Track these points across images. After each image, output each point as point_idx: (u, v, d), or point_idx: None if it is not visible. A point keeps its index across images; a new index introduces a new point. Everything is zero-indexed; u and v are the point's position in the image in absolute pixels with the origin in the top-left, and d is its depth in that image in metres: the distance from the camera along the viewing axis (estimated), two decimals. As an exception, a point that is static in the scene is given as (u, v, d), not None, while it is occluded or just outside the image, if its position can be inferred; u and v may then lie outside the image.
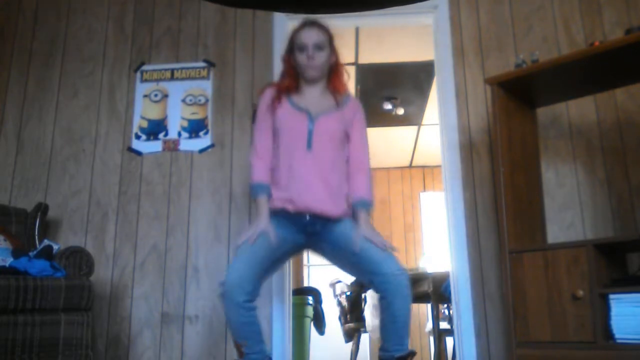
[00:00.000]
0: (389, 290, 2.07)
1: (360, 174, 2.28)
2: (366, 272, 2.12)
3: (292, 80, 2.32)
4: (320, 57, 2.27)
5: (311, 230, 2.19)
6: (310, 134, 2.21)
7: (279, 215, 2.19)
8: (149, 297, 3.08)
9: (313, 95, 2.32)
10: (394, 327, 2.10)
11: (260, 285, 2.10)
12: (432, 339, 4.86)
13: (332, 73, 2.35)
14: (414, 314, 7.53)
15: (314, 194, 2.16)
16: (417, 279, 3.87)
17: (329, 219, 2.17)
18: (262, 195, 2.21)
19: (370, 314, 4.11)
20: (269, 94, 2.33)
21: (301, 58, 2.27)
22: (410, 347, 2.15)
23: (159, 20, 3.50)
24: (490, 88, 2.70)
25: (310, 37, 2.26)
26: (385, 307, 2.09)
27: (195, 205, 3.20)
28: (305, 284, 6.54)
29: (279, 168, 2.23)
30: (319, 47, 2.27)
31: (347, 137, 2.30)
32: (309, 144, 2.20)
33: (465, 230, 3.04)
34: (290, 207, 2.16)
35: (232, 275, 2.02)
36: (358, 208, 2.21)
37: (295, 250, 2.29)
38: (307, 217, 2.17)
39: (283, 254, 2.23)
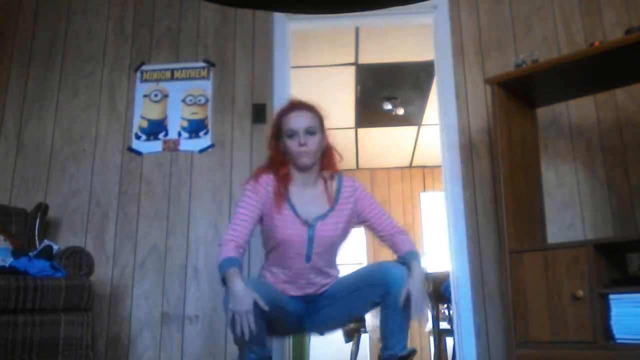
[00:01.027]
0: (388, 282, 1.97)
1: (402, 235, 2.17)
2: (368, 293, 2.04)
3: (286, 168, 2.13)
4: (314, 143, 2.09)
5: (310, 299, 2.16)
6: (310, 245, 2.07)
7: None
8: (149, 297, 3.08)
9: (309, 192, 2.15)
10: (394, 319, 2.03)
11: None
12: (432, 339, 4.85)
13: (325, 157, 2.17)
14: (414, 314, 7.37)
15: (311, 286, 2.13)
16: (417, 279, 3.86)
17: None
18: (233, 267, 1.91)
19: (370, 314, 4.11)
20: (269, 184, 2.12)
21: (292, 145, 2.08)
22: (410, 346, 2.13)
23: (159, 20, 3.50)
24: (490, 88, 2.70)
25: (301, 121, 2.08)
26: (386, 302, 2.00)
27: (195, 205, 3.20)
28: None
29: (274, 273, 2.14)
30: (310, 132, 2.09)
31: (352, 222, 2.18)
32: (308, 257, 2.08)
33: (465, 230, 3.04)
34: (289, 294, 2.11)
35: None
36: (409, 259, 2.04)
37: (294, 319, 2.15)
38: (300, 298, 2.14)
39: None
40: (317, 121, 2.13)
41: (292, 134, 2.08)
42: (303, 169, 2.13)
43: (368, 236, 7.14)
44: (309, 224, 2.07)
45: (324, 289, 2.17)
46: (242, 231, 2.07)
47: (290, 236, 2.06)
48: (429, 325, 4.29)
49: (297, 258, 2.07)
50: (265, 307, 1.84)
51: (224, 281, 1.92)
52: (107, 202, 3.23)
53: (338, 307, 2.12)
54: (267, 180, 2.12)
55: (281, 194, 2.09)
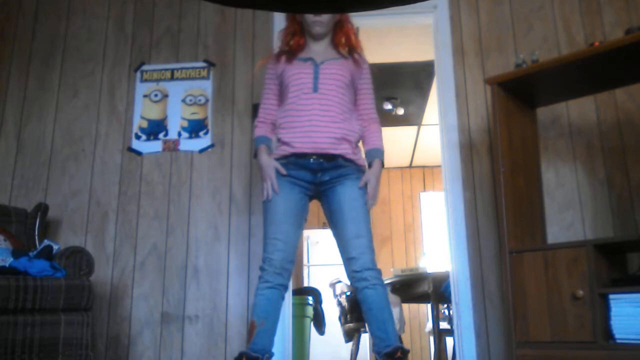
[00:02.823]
0: (358, 284, 2.16)
1: (373, 124, 2.39)
2: (342, 256, 2.22)
3: (300, 37, 2.38)
4: (327, 14, 2.33)
5: (320, 180, 2.25)
6: (315, 77, 2.28)
7: (287, 165, 2.26)
8: (149, 297, 3.08)
9: (318, 49, 2.38)
10: (371, 314, 2.15)
11: (292, 265, 2.24)
12: (432, 339, 4.85)
13: (337, 29, 2.41)
14: (414, 314, 7.50)
15: (319, 133, 2.22)
16: (417, 279, 3.87)
17: (334, 159, 2.23)
18: (262, 145, 2.33)
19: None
20: (273, 59, 2.41)
21: (308, 15, 2.31)
22: (402, 344, 2.15)
23: (159, 20, 3.50)
24: (490, 88, 2.70)
25: None
26: (361, 296, 2.17)
27: (195, 205, 3.20)
28: (305, 284, 6.54)
29: (286, 115, 2.30)
30: None
31: (353, 86, 2.36)
32: (315, 87, 2.27)
33: (465, 230, 3.04)
34: (296, 149, 2.23)
35: (275, 259, 2.17)
36: (373, 157, 2.33)
37: (307, 206, 2.35)
38: (312, 160, 2.23)
39: (303, 212, 2.31)
40: None
41: None
42: (316, 38, 2.38)
43: (368, 236, 7.14)
44: (315, 63, 2.31)
45: (338, 151, 2.23)
46: (267, 108, 2.40)
47: (298, 75, 2.30)
48: (429, 325, 4.29)
49: (305, 89, 2.27)
50: (284, 171, 2.23)
51: (256, 154, 2.36)
52: (107, 202, 3.23)
53: (329, 219, 2.30)
54: (274, 55, 2.43)
55: (290, 52, 2.35)
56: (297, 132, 2.25)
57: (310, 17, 2.32)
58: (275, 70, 2.38)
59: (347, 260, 2.20)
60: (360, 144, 2.38)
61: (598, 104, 3.09)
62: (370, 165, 2.34)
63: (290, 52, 2.37)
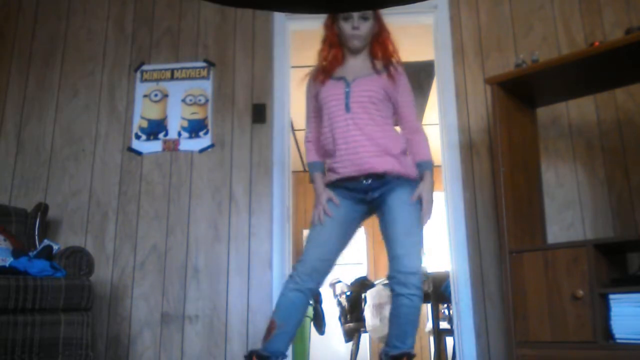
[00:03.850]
0: (397, 288, 2.09)
1: (417, 135, 2.33)
2: (389, 256, 2.16)
3: (338, 50, 2.34)
4: (365, 28, 2.30)
5: (371, 198, 2.22)
6: (347, 96, 2.24)
7: (339, 188, 2.24)
8: (149, 297, 3.08)
9: (354, 64, 2.34)
10: (398, 322, 2.11)
11: (328, 274, 2.21)
12: (432, 339, 4.85)
13: (375, 40, 2.36)
14: (414, 314, 7.37)
15: (360, 153, 2.19)
16: (417, 279, 3.86)
17: (383, 176, 2.19)
18: (316, 172, 2.33)
19: (370, 314, 4.11)
20: (310, 79, 2.41)
21: (346, 27, 2.29)
22: (413, 350, 2.13)
23: (159, 20, 3.50)
24: (490, 88, 2.70)
25: None
26: (395, 301, 2.11)
27: (195, 205, 3.20)
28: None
29: (326, 139, 2.28)
30: (364, 17, 2.29)
31: (389, 100, 2.31)
32: (347, 107, 2.23)
33: (465, 230, 3.04)
34: (343, 174, 2.21)
35: (306, 265, 2.14)
36: (423, 169, 2.27)
37: (361, 222, 2.33)
38: (364, 182, 2.20)
39: (351, 231, 2.28)
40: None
41: (348, 17, 2.28)
42: (354, 51, 2.34)
43: (368, 237, 7.15)
44: (346, 82, 2.27)
45: (382, 168, 2.17)
46: (313, 126, 2.40)
47: (331, 95, 2.27)
48: (429, 325, 4.29)
49: (338, 110, 2.24)
50: (337, 202, 2.22)
51: (311, 180, 2.36)
52: (107, 202, 3.23)
53: (382, 228, 2.23)
54: (311, 74, 2.41)
55: (326, 70, 2.32)
56: (338, 156, 2.22)
57: (348, 31, 2.29)
58: (314, 90, 2.36)
59: (392, 258, 2.13)
60: (406, 152, 2.32)
61: (598, 104, 3.08)
62: (420, 179, 2.26)
63: (326, 70, 2.32)
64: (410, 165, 2.25)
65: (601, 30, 3.16)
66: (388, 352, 2.10)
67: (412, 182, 2.22)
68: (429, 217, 2.22)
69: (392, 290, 2.12)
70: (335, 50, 2.34)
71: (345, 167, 2.20)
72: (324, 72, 2.33)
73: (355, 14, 2.27)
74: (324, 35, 2.40)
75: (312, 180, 2.35)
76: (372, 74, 2.30)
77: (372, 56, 2.35)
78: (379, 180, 2.19)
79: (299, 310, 2.15)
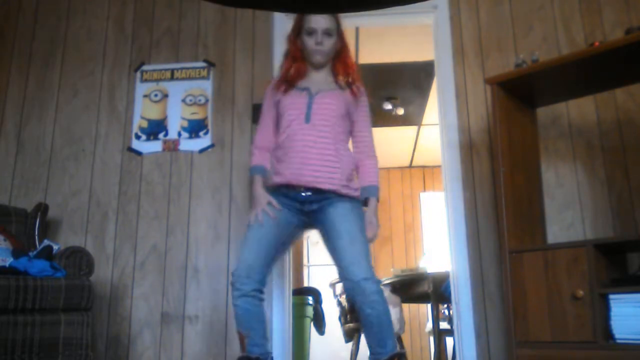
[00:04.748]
0: (356, 297, 2.07)
1: (370, 159, 2.38)
2: (338, 269, 2.15)
3: (302, 63, 2.36)
4: (328, 43, 2.33)
5: (308, 209, 2.22)
6: (309, 107, 2.25)
7: (278, 194, 2.24)
8: (149, 297, 3.08)
9: (317, 78, 2.37)
10: (370, 331, 2.09)
11: (268, 272, 2.19)
12: (432, 339, 4.85)
13: (337, 58, 2.40)
14: (414, 314, 7.49)
15: (310, 166, 2.19)
16: (417, 279, 3.87)
17: (324, 193, 2.19)
18: (257, 175, 2.34)
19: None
20: (272, 88, 2.41)
21: (309, 42, 2.32)
22: (398, 348, 2.12)
23: (159, 20, 3.50)
24: (490, 88, 2.70)
25: (320, 22, 2.30)
26: (360, 313, 2.10)
27: (195, 205, 3.20)
28: (305, 284, 6.54)
29: (280, 146, 2.28)
30: (328, 33, 2.32)
31: (348, 117, 2.33)
32: (307, 118, 2.24)
33: (465, 230, 3.04)
34: (286, 180, 2.21)
35: (241, 266, 2.12)
36: (369, 194, 2.31)
37: (297, 232, 2.33)
38: (303, 194, 2.21)
39: (287, 236, 2.28)
40: (334, 24, 2.34)
41: (311, 32, 2.31)
42: (316, 67, 2.37)
43: (368, 236, 7.13)
44: (310, 93, 2.29)
45: (324, 187, 2.18)
46: (263, 135, 2.39)
47: (292, 103, 2.29)
48: (429, 325, 4.29)
49: (298, 120, 2.25)
50: (277, 206, 2.21)
51: (251, 182, 2.37)
52: (107, 202, 3.23)
53: (324, 242, 2.24)
54: (273, 82, 2.42)
55: (289, 81, 2.34)
56: (289, 164, 2.21)
57: (311, 45, 2.32)
58: (274, 98, 2.37)
59: (341, 270, 2.11)
60: (354, 173, 2.33)
61: (598, 104, 3.08)
62: (365, 204, 2.31)
63: (289, 81, 2.34)
64: (354, 187, 2.27)
65: (601, 30, 3.16)
66: (377, 359, 2.09)
67: (353, 201, 2.23)
68: (374, 239, 2.29)
69: (353, 302, 2.10)
70: (298, 63, 2.36)
71: (290, 175, 2.20)
72: (286, 82, 2.34)
73: (319, 29, 2.29)
74: (286, 49, 2.44)
75: (251, 182, 2.37)
76: (336, 89, 2.33)
77: (334, 72, 2.38)
78: (318, 195, 2.20)
79: (254, 313, 2.11)
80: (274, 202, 2.22)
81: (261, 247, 2.17)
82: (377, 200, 2.36)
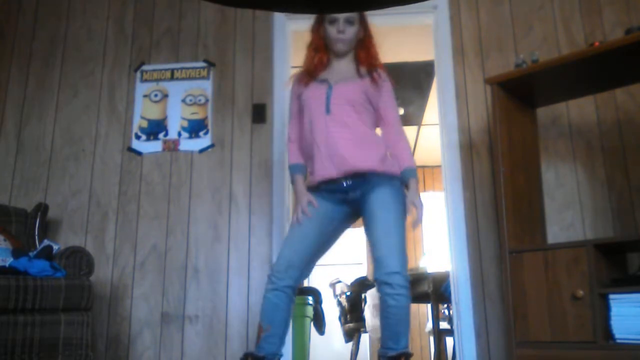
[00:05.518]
0: (385, 288, 2.09)
1: (401, 142, 2.34)
2: (373, 261, 2.16)
3: (324, 53, 2.37)
4: (350, 32, 2.33)
5: (352, 198, 2.22)
6: (328, 99, 2.26)
7: (319, 190, 2.25)
8: (149, 297, 3.08)
9: (338, 67, 2.37)
10: (387, 323, 2.13)
11: (309, 270, 2.22)
12: (432, 339, 4.85)
13: (360, 46, 2.39)
14: (414, 314, 7.50)
15: (340, 154, 2.19)
16: (417, 279, 3.87)
17: (364, 176, 2.19)
18: (297, 175, 2.35)
19: (370, 314, 4.11)
20: (295, 81, 2.43)
21: (331, 31, 2.32)
22: (409, 349, 2.13)
23: (159, 20, 3.50)
24: (490, 88, 2.70)
25: None
26: (382, 303, 2.12)
27: (195, 205, 3.20)
28: (305, 284, 6.54)
29: (306, 140, 2.30)
30: (349, 21, 2.32)
31: (371, 104, 2.32)
32: (327, 109, 2.25)
33: (465, 230, 3.04)
34: (322, 177, 2.22)
35: (281, 261, 2.14)
36: (407, 177, 2.28)
37: (344, 224, 2.33)
38: (344, 184, 2.21)
39: (331, 233, 2.29)
40: (357, 13, 2.34)
41: (333, 21, 2.32)
42: (338, 55, 2.37)
43: (368, 236, 7.14)
44: (329, 84, 2.30)
45: (363, 167, 2.18)
46: (294, 128, 2.40)
47: (312, 97, 2.30)
48: (429, 325, 4.29)
49: (318, 112, 2.26)
50: (316, 204, 2.22)
51: (292, 181, 2.39)
52: (107, 202, 3.23)
53: (365, 229, 2.22)
54: (296, 75, 2.43)
55: (310, 72, 2.35)
56: (318, 158, 2.23)
57: (333, 34, 2.32)
58: (298, 91, 2.39)
59: (375, 260, 2.13)
60: (387, 155, 2.32)
61: (598, 104, 3.08)
62: (406, 186, 2.29)
63: (310, 73, 2.35)
64: (391, 164, 2.26)
65: (601, 30, 3.16)
66: (386, 354, 2.10)
67: (393, 180, 2.23)
68: (421, 222, 2.25)
69: (379, 292, 2.12)
70: (320, 54, 2.37)
71: (325, 169, 2.21)
72: (308, 75, 2.35)
73: (341, 18, 2.30)
74: (310, 39, 2.44)
75: (292, 182, 2.38)
76: (355, 77, 2.33)
77: (357, 60, 2.38)
78: (359, 179, 2.20)
79: (281, 309, 2.14)
80: (314, 201, 2.23)
81: (302, 246, 2.18)
82: (417, 181, 2.32)
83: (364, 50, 2.39)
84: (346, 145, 2.20)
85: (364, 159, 2.20)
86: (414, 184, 2.28)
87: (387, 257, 2.09)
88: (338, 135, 2.21)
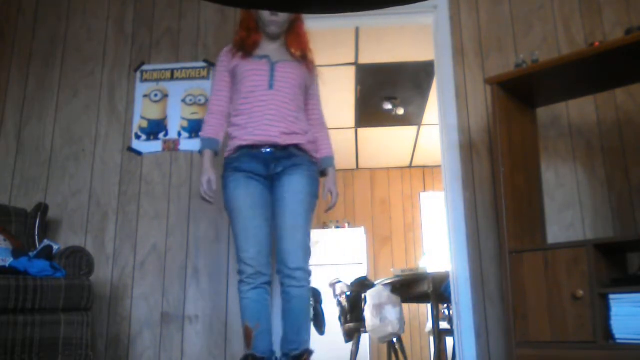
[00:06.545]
0: (289, 281, 2.16)
1: (324, 130, 2.49)
2: (276, 249, 2.22)
3: (256, 34, 2.42)
4: (283, 15, 2.37)
5: (273, 172, 2.26)
6: (271, 76, 2.32)
7: (243, 156, 2.28)
8: (149, 297, 3.08)
9: (272, 48, 2.43)
10: (290, 315, 2.17)
11: (271, 260, 2.26)
12: (432, 339, 4.85)
13: (290, 29, 2.45)
14: (414, 314, 7.49)
15: (272, 127, 2.26)
16: (417, 279, 3.87)
17: (287, 150, 2.25)
18: (208, 150, 2.39)
19: (370, 314, 4.11)
20: (227, 53, 2.48)
21: (264, 13, 2.37)
22: (309, 345, 2.16)
23: (159, 20, 3.50)
24: (490, 88, 2.70)
25: None
26: (283, 295, 2.18)
27: (195, 205, 3.20)
28: (305, 284, 6.53)
29: (240, 112, 2.33)
30: None
31: (305, 88, 2.42)
32: (271, 85, 2.31)
33: (465, 230, 3.04)
34: (249, 140, 2.26)
35: (248, 264, 2.18)
36: (327, 165, 2.45)
37: (270, 199, 2.34)
38: (266, 150, 2.25)
39: (268, 204, 2.31)
40: None
41: None
42: (271, 37, 2.43)
43: (368, 237, 7.14)
44: (270, 61, 2.36)
45: (286, 143, 2.26)
46: (221, 99, 2.42)
47: (253, 69, 2.34)
48: (429, 325, 4.29)
49: (261, 86, 2.32)
50: (214, 186, 2.31)
51: (200, 152, 2.41)
52: (107, 202, 3.23)
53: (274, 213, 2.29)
54: (228, 48, 2.49)
55: (245, 48, 2.40)
56: (251, 126, 2.28)
57: (266, 16, 2.36)
58: (229, 64, 2.43)
59: (279, 251, 2.20)
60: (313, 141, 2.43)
61: (598, 104, 3.09)
62: (324, 173, 2.43)
63: (246, 49, 2.40)
64: (315, 149, 2.36)
65: (601, 30, 3.16)
66: (288, 354, 2.12)
67: (312, 166, 2.31)
68: (333, 208, 2.44)
69: (281, 284, 2.19)
70: (253, 34, 2.42)
71: (255, 135, 2.26)
72: (244, 50, 2.40)
73: None
74: (241, 18, 2.50)
75: (200, 153, 2.42)
76: (293, 60, 2.40)
77: (288, 44, 2.43)
78: (282, 152, 2.26)
79: (264, 306, 2.18)
80: (214, 182, 2.32)
81: (262, 241, 2.22)
82: (334, 169, 2.48)
83: (294, 34, 2.44)
84: (281, 121, 2.26)
85: (293, 137, 2.28)
86: (332, 172, 2.45)
87: (292, 253, 2.16)
88: (276, 111, 2.27)
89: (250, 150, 2.27)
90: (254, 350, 2.11)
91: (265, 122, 2.26)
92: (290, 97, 2.31)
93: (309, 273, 2.20)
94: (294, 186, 2.23)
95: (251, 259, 2.18)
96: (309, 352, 2.12)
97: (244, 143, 2.27)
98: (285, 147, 2.26)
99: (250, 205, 2.23)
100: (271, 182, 2.30)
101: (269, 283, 2.22)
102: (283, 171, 2.26)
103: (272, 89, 2.30)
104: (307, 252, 2.20)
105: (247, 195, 2.24)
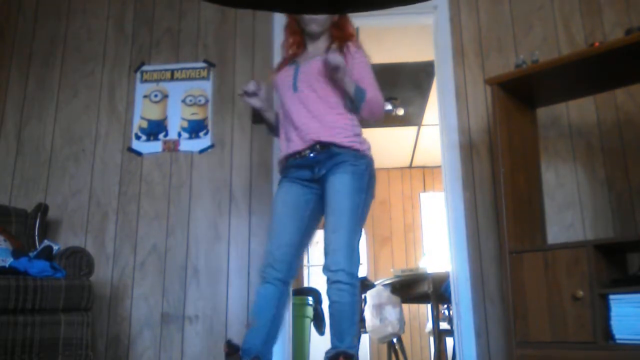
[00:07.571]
0: (330, 283, 2.10)
1: (375, 93, 2.33)
2: (323, 256, 2.17)
3: (299, 36, 2.40)
4: None
5: (318, 176, 2.22)
6: (295, 77, 2.30)
7: (288, 172, 2.28)
8: (149, 297, 3.08)
9: (313, 50, 2.39)
10: (332, 320, 2.11)
11: (298, 258, 2.24)
12: (432, 339, 4.85)
13: (334, 25, 2.40)
14: (414, 314, 7.49)
15: (305, 127, 2.22)
16: (417, 279, 3.87)
17: (328, 149, 2.19)
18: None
19: (370, 314, 4.11)
20: (275, 70, 2.49)
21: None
22: (352, 349, 2.08)
23: (159, 20, 3.50)
24: (490, 88, 2.70)
25: None
26: (328, 299, 2.12)
27: (195, 205, 3.20)
28: (305, 284, 6.54)
29: (279, 122, 2.36)
30: None
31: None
32: (294, 87, 2.29)
33: (465, 230, 3.04)
34: (287, 151, 2.26)
35: (265, 258, 2.19)
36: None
37: (319, 204, 2.28)
38: (310, 155, 2.23)
39: (311, 214, 2.28)
40: None
41: None
42: (312, 36, 2.40)
43: (368, 237, 7.15)
44: (297, 64, 2.34)
45: (326, 139, 2.20)
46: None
47: (280, 79, 2.36)
48: (429, 325, 4.29)
49: (288, 93, 2.31)
50: (259, 85, 2.33)
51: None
52: (107, 202, 3.23)
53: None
54: (279, 63, 2.49)
55: (285, 60, 2.40)
56: (287, 135, 2.28)
57: (306, 15, 2.34)
58: (273, 79, 2.45)
59: (324, 254, 2.15)
60: (360, 132, 2.32)
61: (598, 104, 3.08)
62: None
63: (286, 59, 2.40)
64: (359, 141, 2.25)
65: (601, 30, 3.16)
66: (329, 353, 2.07)
67: (357, 160, 2.20)
68: (339, 69, 2.18)
69: (327, 288, 2.14)
70: (296, 37, 2.40)
71: (292, 142, 2.25)
72: (283, 61, 2.42)
73: None
74: (286, 22, 2.48)
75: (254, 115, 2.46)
76: (323, 54, 2.30)
77: (331, 40, 2.39)
78: (324, 154, 2.20)
79: (269, 302, 2.13)
80: (261, 84, 2.34)
81: (284, 238, 2.20)
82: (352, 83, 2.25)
83: (338, 29, 2.40)
84: (311, 120, 2.23)
85: (329, 132, 2.21)
86: (343, 68, 2.18)
87: (332, 254, 2.10)
88: (304, 111, 2.24)
89: (293, 159, 2.26)
90: (243, 347, 2.08)
91: (297, 127, 2.24)
92: (316, 93, 2.25)
93: (351, 275, 2.07)
94: (336, 184, 2.16)
95: (267, 252, 2.19)
96: (346, 356, 2.02)
97: (285, 152, 2.29)
98: (325, 147, 2.20)
99: (282, 204, 2.24)
100: (322, 185, 2.25)
101: (283, 281, 2.16)
102: (327, 172, 2.20)
103: (296, 91, 2.28)
104: (350, 253, 2.09)
105: (284, 195, 2.25)
